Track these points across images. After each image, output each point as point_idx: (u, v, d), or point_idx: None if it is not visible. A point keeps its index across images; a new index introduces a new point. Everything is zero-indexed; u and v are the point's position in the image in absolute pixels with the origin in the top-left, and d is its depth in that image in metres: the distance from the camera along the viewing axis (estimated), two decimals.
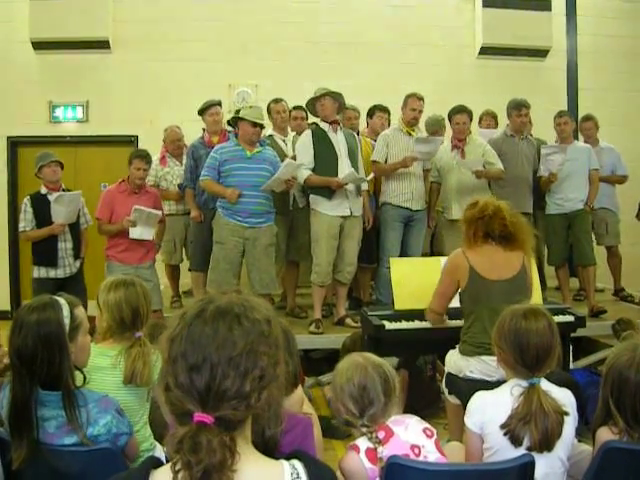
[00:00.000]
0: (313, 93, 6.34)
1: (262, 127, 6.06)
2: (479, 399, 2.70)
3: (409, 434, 2.46)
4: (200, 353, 1.37)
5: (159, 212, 6.36)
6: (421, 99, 6.67)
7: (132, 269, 6.11)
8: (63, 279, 6.22)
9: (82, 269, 6.46)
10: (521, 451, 2.43)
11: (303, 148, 6.27)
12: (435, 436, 2.52)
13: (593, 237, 7.72)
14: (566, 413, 2.60)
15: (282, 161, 6.25)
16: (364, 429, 2.47)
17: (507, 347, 2.74)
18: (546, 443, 2.54)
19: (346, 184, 6.15)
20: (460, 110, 6.76)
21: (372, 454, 2.39)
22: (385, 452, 2.38)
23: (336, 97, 6.35)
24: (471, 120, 6.85)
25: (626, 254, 8.04)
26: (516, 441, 2.55)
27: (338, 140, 6.28)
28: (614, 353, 2.68)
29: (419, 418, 2.57)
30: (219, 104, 6.95)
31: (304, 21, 9.40)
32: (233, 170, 5.89)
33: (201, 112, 6.92)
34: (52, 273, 6.20)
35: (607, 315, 6.58)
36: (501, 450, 2.58)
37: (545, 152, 6.93)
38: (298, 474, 1.47)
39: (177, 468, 1.31)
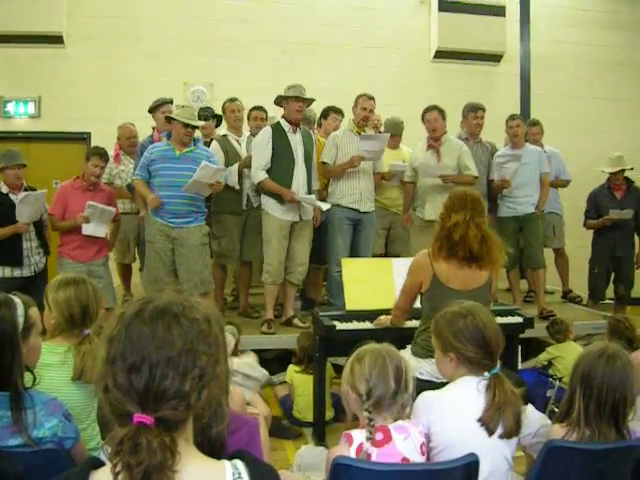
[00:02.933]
0: (289, 88, 6.24)
1: (194, 128, 5.98)
2: (425, 399, 2.72)
3: (406, 445, 2.46)
4: (139, 353, 1.36)
5: (113, 209, 6.30)
6: (371, 98, 6.64)
7: (84, 266, 6.06)
8: (28, 277, 6.12)
9: (47, 266, 6.37)
10: (466, 450, 2.44)
11: (260, 147, 6.22)
12: (426, 454, 2.54)
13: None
14: (524, 400, 2.69)
15: (234, 162, 6.24)
16: (366, 419, 2.46)
17: (471, 345, 2.76)
18: (516, 427, 2.61)
19: (299, 202, 6.15)
20: (430, 108, 6.76)
21: (362, 450, 2.40)
22: (376, 456, 2.39)
23: (309, 105, 6.40)
24: (444, 118, 6.79)
25: (572, 257, 8.20)
26: (491, 430, 2.59)
27: (296, 142, 6.26)
28: (586, 348, 2.79)
29: (422, 430, 2.57)
30: (170, 102, 6.88)
31: (262, 21, 9.39)
32: (160, 170, 5.85)
33: (152, 110, 6.86)
34: (17, 272, 6.08)
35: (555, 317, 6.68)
36: (446, 449, 2.60)
37: (499, 161, 7.02)
38: (240, 474, 1.46)
39: (117, 470, 1.30)
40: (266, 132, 6.27)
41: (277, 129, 6.25)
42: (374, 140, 6.56)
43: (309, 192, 6.34)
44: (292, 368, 5.55)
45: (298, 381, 5.44)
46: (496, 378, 2.69)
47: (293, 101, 6.15)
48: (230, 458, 1.51)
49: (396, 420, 2.51)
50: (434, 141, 6.76)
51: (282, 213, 6.19)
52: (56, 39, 8.90)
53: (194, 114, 6.04)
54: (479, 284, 3.90)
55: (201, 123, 6.32)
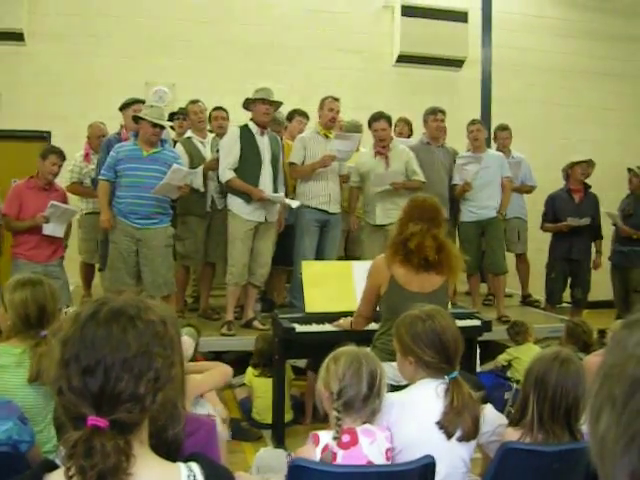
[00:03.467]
0: (257, 91, 6.24)
1: (162, 128, 5.98)
2: (385, 401, 2.74)
3: (372, 449, 2.47)
4: (93, 355, 1.35)
5: (76, 209, 6.25)
6: (337, 100, 6.69)
7: (40, 267, 5.96)
8: None
9: None
10: (423, 452, 2.47)
11: (228, 147, 6.21)
12: (391, 459, 2.56)
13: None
14: (483, 402, 2.71)
15: (198, 164, 6.23)
16: (335, 418, 2.48)
17: (429, 349, 2.78)
18: (475, 430, 2.65)
19: (267, 199, 6.16)
20: (378, 117, 6.76)
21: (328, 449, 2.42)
22: (341, 458, 2.40)
23: (278, 107, 6.42)
24: (391, 126, 6.89)
25: (530, 260, 8.33)
26: (450, 434, 2.62)
27: (264, 144, 6.26)
28: (539, 353, 2.85)
29: (389, 436, 2.58)
30: (142, 102, 6.81)
31: (225, 22, 9.35)
32: (126, 170, 5.83)
33: (122, 108, 6.81)
34: None
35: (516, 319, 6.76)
36: (405, 450, 2.62)
37: (460, 162, 7.09)
38: (195, 476, 1.46)
39: (70, 473, 1.29)
40: (234, 133, 6.28)
41: (245, 131, 6.25)
42: (348, 140, 6.61)
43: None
44: (250, 371, 5.54)
45: (257, 383, 5.44)
46: (454, 382, 2.71)
47: (260, 104, 6.16)
48: (185, 460, 1.51)
49: (364, 424, 2.53)
50: (382, 148, 6.80)
51: (248, 214, 6.18)
52: (16, 36, 8.76)
53: (163, 114, 6.04)
54: (436, 286, 3.93)
55: (169, 124, 6.30)
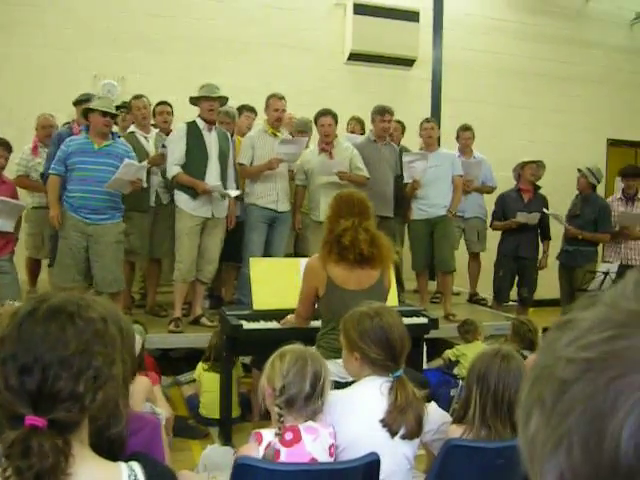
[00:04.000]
0: (201, 88, 6.22)
1: (113, 117, 5.91)
2: (330, 397, 2.75)
3: (315, 446, 2.47)
4: (31, 354, 1.32)
5: (23, 203, 6.15)
6: (282, 99, 6.70)
7: None
8: None
9: None
10: (367, 449, 2.48)
11: (175, 142, 6.19)
12: (334, 455, 2.56)
13: (463, 243, 8.15)
14: (427, 399, 2.73)
15: (143, 159, 6.17)
16: (277, 414, 2.47)
17: (375, 346, 2.79)
18: (418, 429, 2.67)
19: (211, 191, 6.13)
20: (324, 113, 6.82)
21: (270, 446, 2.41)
22: (285, 456, 2.40)
23: (224, 102, 6.41)
24: (336, 123, 6.93)
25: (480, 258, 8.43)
26: (393, 432, 2.63)
27: (211, 140, 6.23)
28: (481, 350, 2.91)
29: (332, 432, 2.59)
30: None
31: (177, 16, 9.26)
32: (77, 163, 5.74)
33: (77, 103, 6.72)
34: None
35: (459, 319, 6.83)
36: (349, 448, 2.63)
37: (407, 159, 7.14)
38: (136, 476, 1.44)
39: (7, 474, 1.26)
40: (181, 129, 6.25)
41: (192, 127, 6.22)
42: (292, 144, 6.62)
43: (223, 197, 6.33)
44: (201, 365, 5.51)
45: (205, 378, 5.41)
46: (399, 381, 2.73)
47: (204, 101, 6.15)
48: (127, 460, 1.49)
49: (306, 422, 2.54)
50: (326, 144, 6.84)
51: (194, 209, 6.15)
52: None
53: (112, 105, 5.96)
54: (373, 281, 3.96)
55: (118, 113, 6.23)
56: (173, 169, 6.14)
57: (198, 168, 6.15)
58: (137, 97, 6.87)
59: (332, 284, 3.91)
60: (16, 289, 6.16)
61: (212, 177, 6.19)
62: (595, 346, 0.55)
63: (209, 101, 6.16)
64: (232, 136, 6.84)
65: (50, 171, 5.90)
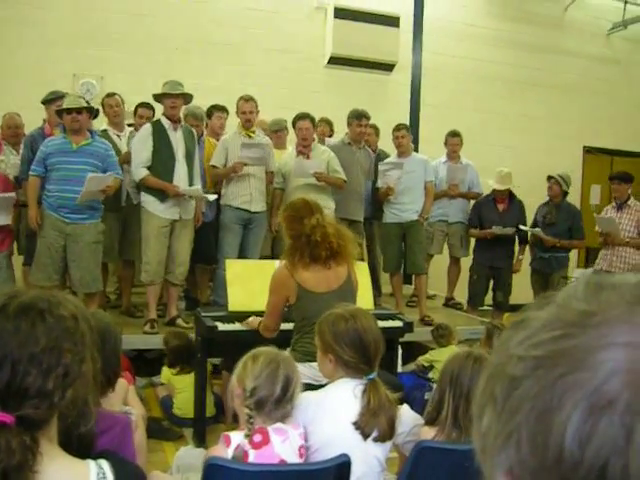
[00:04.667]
0: (164, 85, 6.22)
1: (78, 112, 5.77)
2: (302, 399, 2.75)
3: (284, 447, 2.48)
4: (1, 350, 1.32)
5: (13, 194, 6.09)
6: (249, 100, 6.70)
7: None
8: None
9: None
10: (339, 451, 2.49)
11: (140, 144, 6.16)
12: (304, 456, 2.56)
13: (446, 247, 8.19)
14: (401, 402, 2.74)
15: (117, 156, 6.15)
16: (246, 415, 2.47)
17: (349, 348, 2.81)
18: (390, 432, 2.68)
19: (184, 195, 6.12)
20: (303, 117, 6.85)
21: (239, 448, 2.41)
22: (254, 458, 2.39)
23: (188, 99, 6.38)
24: (315, 127, 6.97)
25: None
26: (366, 434, 2.65)
27: (177, 139, 6.21)
28: (453, 352, 2.93)
29: (302, 433, 2.60)
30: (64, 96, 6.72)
31: (157, 16, 9.22)
32: (56, 164, 5.73)
33: (46, 102, 6.65)
34: None
35: (435, 322, 6.87)
36: (321, 449, 2.64)
37: (383, 168, 7.23)
38: (104, 474, 1.44)
39: None
40: (146, 129, 6.22)
41: (157, 126, 6.20)
42: (255, 147, 6.62)
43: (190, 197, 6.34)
44: (167, 371, 5.48)
45: (176, 381, 5.39)
46: (372, 384, 2.74)
47: (166, 98, 6.15)
48: (96, 458, 1.49)
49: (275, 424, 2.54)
50: (304, 147, 6.87)
51: (162, 211, 6.12)
52: None
53: (77, 100, 5.91)
54: (341, 281, 3.97)
55: (84, 104, 6.11)
56: (140, 171, 6.11)
57: (165, 169, 6.13)
58: (109, 95, 6.88)
59: (303, 290, 3.91)
60: (12, 287, 6.08)
61: (180, 177, 6.17)
62: (544, 345, 0.58)
63: (171, 98, 6.15)
64: (201, 137, 6.86)
65: (30, 172, 5.86)
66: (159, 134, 6.14)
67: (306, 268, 3.92)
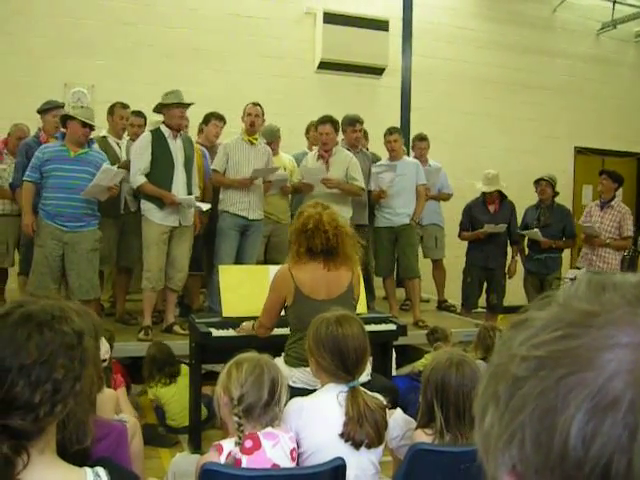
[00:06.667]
0: (168, 94, 6.21)
1: (92, 128, 5.92)
2: (294, 405, 2.76)
3: (275, 452, 2.47)
4: None
5: None
6: (256, 105, 6.75)
7: None
8: None
9: None
10: (333, 455, 2.49)
11: (139, 151, 6.16)
12: (296, 460, 2.57)
13: (421, 250, 8.14)
14: (387, 407, 2.74)
15: (114, 164, 6.16)
16: (236, 423, 2.46)
17: (327, 354, 2.81)
18: (378, 437, 2.68)
19: (179, 203, 6.13)
20: (324, 121, 6.81)
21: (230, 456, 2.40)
22: (246, 463, 2.39)
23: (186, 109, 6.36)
24: (337, 131, 6.90)
25: (448, 266, 8.51)
26: (357, 444, 2.65)
27: (176, 148, 6.22)
28: (433, 360, 2.84)
29: (293, 436, 2.60)
30: (62, 107, 6.75)
31: (146, 24, 9.22)
32: (53, 171, 5.73)
33: (42, 111, 6.68)
34: None
35: (429, 325, 6.87)
36: (315, 454, 2.65)
37: (375, 170, 7.22)
38: None
39: None
40: (145, 137, 6.23)
41: (157, 135, 6.20)
42: (265, 172, 6.72)
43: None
44: (150, 390, 5.43)
45: (161, 394, 5.34)
46: (352, 392, 2.73)
47: (175, 108, 6.13)
48: (92, 465, 1.50)
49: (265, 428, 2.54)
50: (324, 152, 6.86)
51: (161, 218, 6.13)
52: None
53: (93, 115, 5.96)
54: (342, 289, 3.94)
55: (99, 126, 6.22)
56: (138, 179, 6.11)
57: (164, 177, 6.13)
58: (124, 106, 6.90)
59: (300, 294, 3.89)
60: None
61: (179, 186, 6.18)
62: (547, 345, 0.59)
63: (181, 107, 6.17)
64: None
65: (25, 178, 5.86)
66: (159, 142, 6.15)
67: (305, 265, 3.90)
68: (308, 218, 3.90)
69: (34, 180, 5.80)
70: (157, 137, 6.18)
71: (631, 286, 0.60)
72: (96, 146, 6.22)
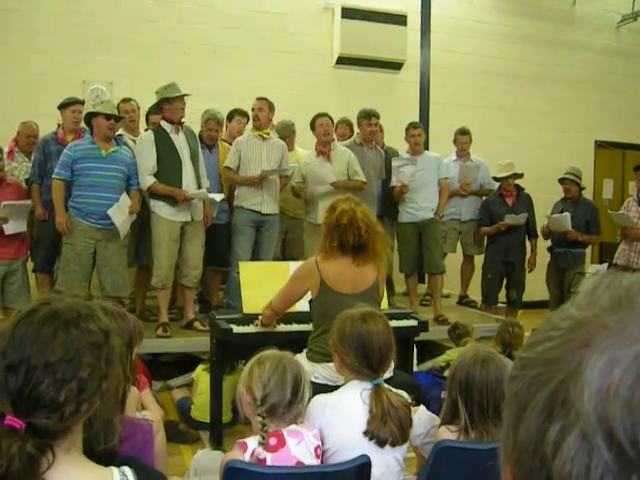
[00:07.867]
0: (164, 88, 6.17)
1: (117, 120, 5.93)
2: (318, 402, 2.74)
3: (300, 449, 2.46)
4: (19, 354, 1.32)
5: (28, 202, 6.10)
6: (260, 99, 6.72)
7: (4, 266, 5.89)
8: None
9: None
10: (358, 452, 2.47)
11: (144, 151, 6.11)
12: (320, 457, 2.55)
13: (460, 246, 8.23)
14: (411, 404, 2.72)
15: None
16: (260, 423, 2.44)
17: (352, 351, 2.79)
18: (403, 435, 2.66)
19: (192, 199, 6.12)
20: (322, 115, 6.87)
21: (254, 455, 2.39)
22: (270, 461, 2.38)
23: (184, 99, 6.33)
24: (333, 125, 6.94)
25: None
26: (381, 442, 2.63)
27: (180, 142, 6.17)
28: (459, 356, 2.82)
29: (317, 433, 2.58)
30: (82, 103, 6.76)
31: (165, 21, 9.24)
32: (86, 169, 5.75)
33: (61, 107, 6.68)
34: None
35: (449, 321, 6.83)
36: (339, 451, 2.63)
37: (396, 164, 7.16)
38: None
39: None
40: (148, 136, 6.21)
41: (159, 132, 6.16)
42: (274, 173, 6.69)
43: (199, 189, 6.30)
44: (201, 367, 5.48)
45: (202, 379, 5.35)
46: (376, 390, 2.72)
47: (178, 101, 6.11)
48: (119, 465, 1.49)
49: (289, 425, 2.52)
50: (324, 147, 6.84)
51: (172, 214, 6.09)
52: None
53: (114, 108, 5.99)
54: (367, 285, 3.94)
55: (122, 116, 6.24)
56: (147, 179, 6.05)
57: (173, 174, 6.09)
58: (125, 100, 6.91)
59: (325, 287, 3.90)
60: (26, 294, 6.08)
61: (189, 179, 6.14)
62: (532, 347, 0.61)
63: (182, 100, 6.17)
64: (215, 142, 6.94)
65: (54, 176, 5.86)
66: (162, 139, 6.10)
67: (334, 258, 3.90)
68: (342, 213, 3.89)
69: (65, 178, 5.80)
70: (160, 134, 6.13)
71: (622, 288, 0.60)
72: (125, 146, 6.25)
